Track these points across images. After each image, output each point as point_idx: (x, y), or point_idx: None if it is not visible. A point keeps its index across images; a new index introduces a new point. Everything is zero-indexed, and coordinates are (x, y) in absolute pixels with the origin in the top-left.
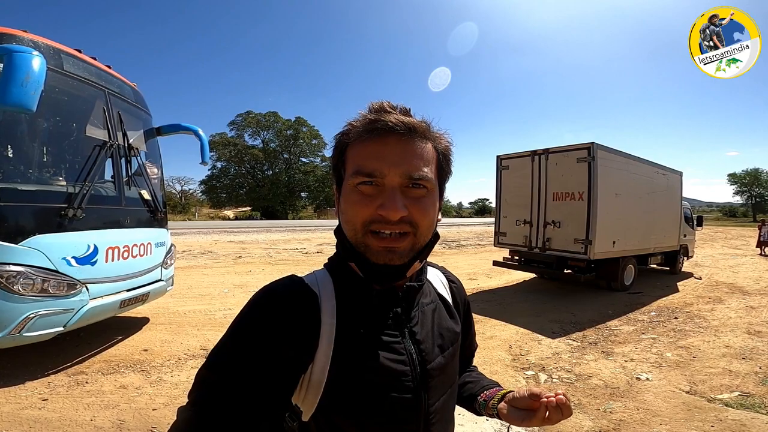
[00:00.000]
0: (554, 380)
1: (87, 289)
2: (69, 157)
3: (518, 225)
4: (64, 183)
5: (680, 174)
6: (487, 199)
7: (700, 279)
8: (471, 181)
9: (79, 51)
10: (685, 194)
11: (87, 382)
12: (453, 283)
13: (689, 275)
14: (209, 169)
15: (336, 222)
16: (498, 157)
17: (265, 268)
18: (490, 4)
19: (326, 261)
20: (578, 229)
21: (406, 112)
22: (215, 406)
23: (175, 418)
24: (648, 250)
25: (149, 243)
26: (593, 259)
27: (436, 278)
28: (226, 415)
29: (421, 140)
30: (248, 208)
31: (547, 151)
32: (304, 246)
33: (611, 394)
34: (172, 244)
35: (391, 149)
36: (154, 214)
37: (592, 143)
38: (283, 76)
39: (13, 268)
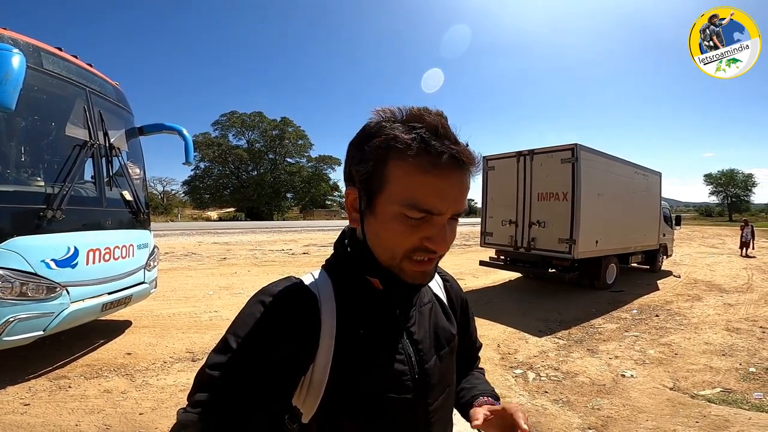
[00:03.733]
0: (542, 378)
1: (67, 292)
2: (48, 157)
3: (504, 225)
4: (43, 183)
5: (659, 174)
6: (472, 200)
7: (679, 277)
8: None
9: (60, 49)
10: (663, 194)
11: (70, 387)
12: (447, 282)
13: (668, 274)
14: (192, 170)
15: (326, 223)
16: (484, 157)
17: (251, 270)
18: (479, 7)
19: (323, 263)
20: (562, 228)
21: (456, 137)
22: (217, 407)
23: (162, 421)
24: (629, 249)
25: (131, 245)
26: (577, 258)
27: None
28: (229, 416)
29: (471, 172)
30: (232, 209)
31: (532, 152)
32: (290, 247)
33: (598, 391)
34: (155, 246)
35: (451, 187)
36: (136, 216)
37: (576, 144)
38: (269, 76)
39: None
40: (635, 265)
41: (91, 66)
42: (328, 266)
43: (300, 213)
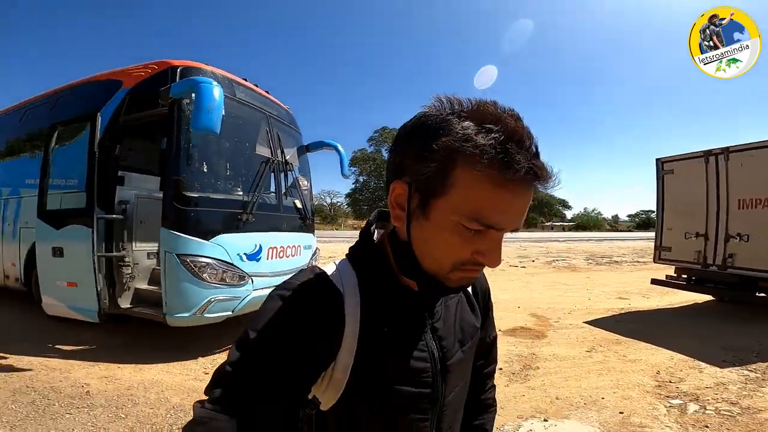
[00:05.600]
0: (707, 412)
1: (252, 281)
2: (244, 171)
3: (688, 238)
4: (241, 193)
5: None
6: (651, 211)
7: None
8: (626, 190)
9: (245, 80)
10: None
11: None
12: None
13: None
14: (353, 183)
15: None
16: (658, 160)
17: None
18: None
19: (347, 253)
20: None
21: (537, 148)
22: (232, 403)
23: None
24: None
25: (299, 245)
26: None
27: None
28: (249, 411)
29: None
30: None
31: (726, 151)
32: None
33: None
34: (317, 248)
35: (520, 203)
36: (304, 221)
37: None
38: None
39: (203, 259)
40: None
41: (268, 93)
42: (353, 257)
43: None
